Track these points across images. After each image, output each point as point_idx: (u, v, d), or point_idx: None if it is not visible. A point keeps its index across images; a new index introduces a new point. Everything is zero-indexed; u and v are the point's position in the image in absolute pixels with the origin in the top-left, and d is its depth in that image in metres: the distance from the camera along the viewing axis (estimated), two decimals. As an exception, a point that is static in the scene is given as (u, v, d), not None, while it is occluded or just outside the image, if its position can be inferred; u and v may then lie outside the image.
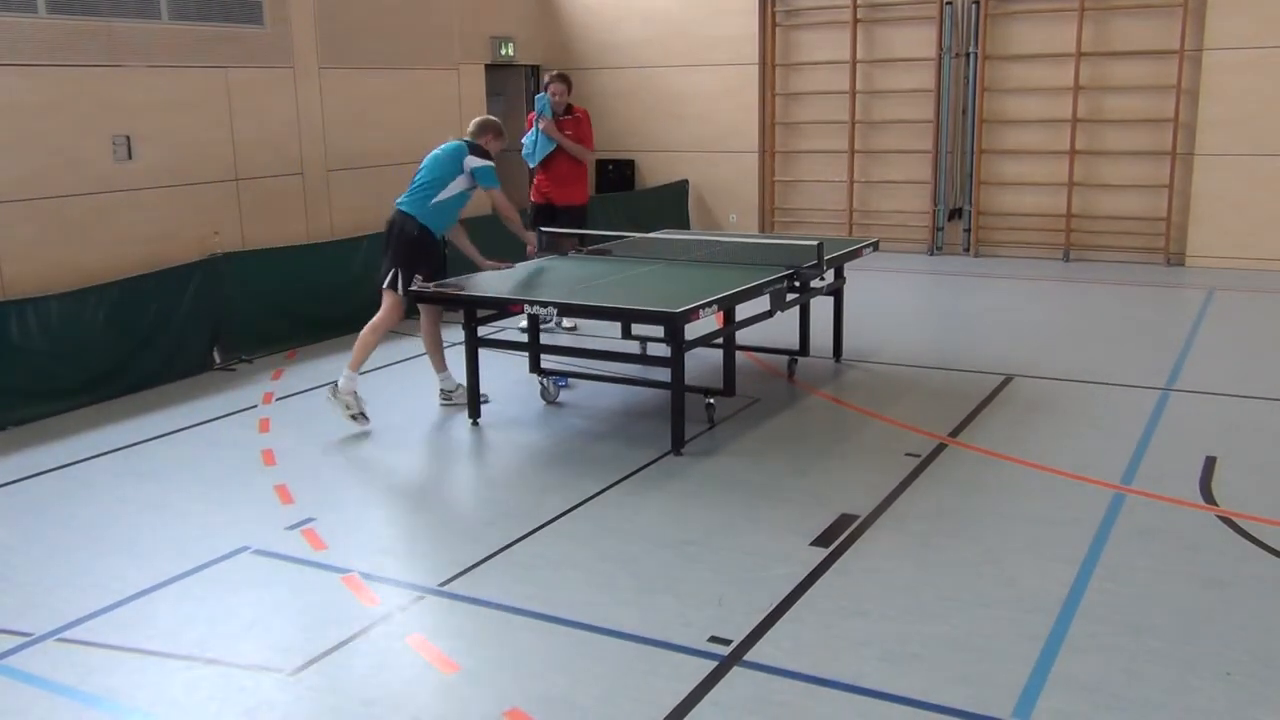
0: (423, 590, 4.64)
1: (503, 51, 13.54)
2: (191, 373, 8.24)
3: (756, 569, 4.75)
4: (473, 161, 7.09)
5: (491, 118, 7.45)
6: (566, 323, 9.06)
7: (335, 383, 6.88)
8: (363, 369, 6.95)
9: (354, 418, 6.81)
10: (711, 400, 6.75)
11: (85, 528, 5.39)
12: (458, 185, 7.11)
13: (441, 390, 7.37)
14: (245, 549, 5.10)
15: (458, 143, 7.23)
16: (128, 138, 9.03)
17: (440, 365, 7.37)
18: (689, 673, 3.92)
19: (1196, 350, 8.41)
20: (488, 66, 13.27)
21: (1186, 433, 6.47)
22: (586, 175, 9.30)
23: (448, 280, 7.05)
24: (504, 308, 6.76)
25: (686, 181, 14.39)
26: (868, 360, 8.23)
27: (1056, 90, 12.38)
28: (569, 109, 9.03)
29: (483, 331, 7.03)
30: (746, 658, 4.02)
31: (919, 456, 6.11)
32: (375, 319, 6.97)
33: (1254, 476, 5.76)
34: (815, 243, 7.25)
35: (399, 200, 7.12)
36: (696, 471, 5.98)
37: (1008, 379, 7.65)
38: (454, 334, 8.86)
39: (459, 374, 7.22)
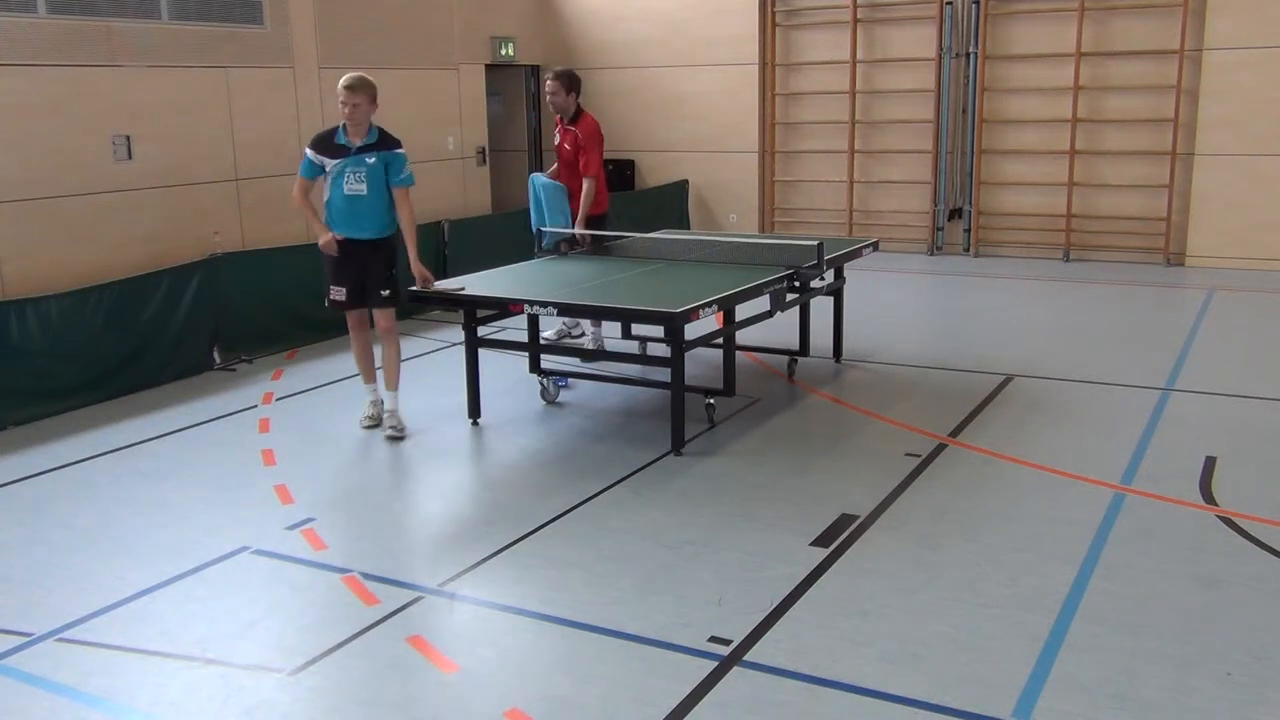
0: (423, 590, 4.64)
1: (503, 51, 13.54)
2: (191, 373, 8.24)
3: (756, 569, 4.75)
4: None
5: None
6: (589, 341, 8.41)
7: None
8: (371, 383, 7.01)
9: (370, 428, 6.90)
10: (711, 400, 6.75)
11: (85, 528, 5.39)
12: (326, 179, 6.60)
13: (367, 413, 6.99)
14: (245, 549, 5.10)
15: None
16: (128, 138, 9.02)
17: (370, 376, 7.02)
18: (689, 673, 3.92)
19: (1196, 350, 8.41)
20: (488, 66, 13.27)
21: (1186, 433, 6.47)
22: (602, 184, 8.29)
23: (452, 280, 7.05)
24: (504, 308, 6.76)
25: (686, 181, 14.39)
26: (868, 360, 8.23)
27: (1056, 90, 12.38)
28: (577, 115, 8.11)
29: (482, 332, 7.03)
30: (746, 658, 4.02)
31: (919, 456, 6.11)
32: None
33: (1254, 476, 5.76)
34: (815, 243, 7.24)
35: None
36: (696, 471, 5.98)
37: (1008, 379, 7.65)
38: (454, 334, 8.87)
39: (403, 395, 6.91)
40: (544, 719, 3.68)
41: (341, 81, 6.44)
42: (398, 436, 6.69)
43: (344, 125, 6.50)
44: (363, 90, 6.43)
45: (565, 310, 6.56)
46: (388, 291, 6.72)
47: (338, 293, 6.72)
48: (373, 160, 6.51)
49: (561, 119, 8.20)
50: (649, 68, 14.35)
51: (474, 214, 12.27)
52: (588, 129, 8.09)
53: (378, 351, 6.96)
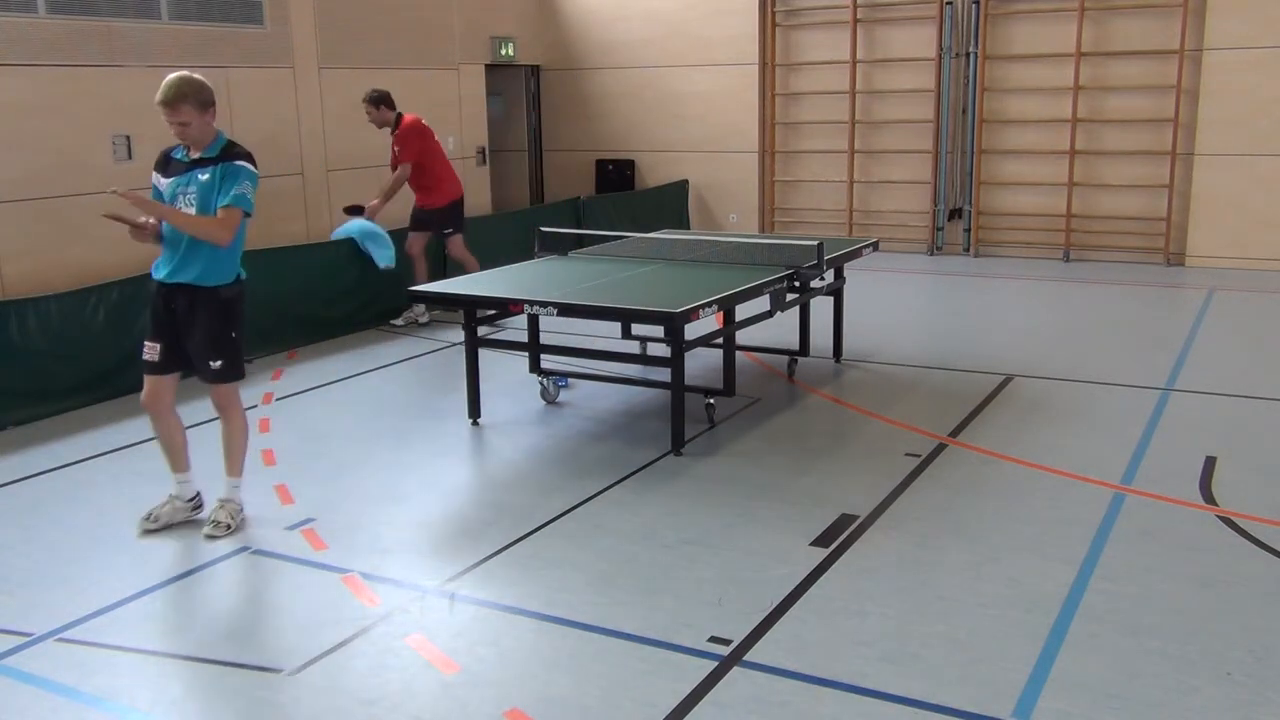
0: (423, 590, 4.64)
1: (503, 51, 13.54)
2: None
3: (756, 569, 4.75)
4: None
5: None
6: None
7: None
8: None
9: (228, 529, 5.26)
10: (711, 400, 6.75)
11: (85, 528, 5.39)
12: None
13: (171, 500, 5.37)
14: (245, 549, 5.10)
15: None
16: (128, 138, 9.03)
17: (179, 463, 5.37)
18: (689, 673, 3.92)
19: (1196, 350, 8.41)
20: (488, 66, 13.28)
21: (1186, 433, 6.47)
22: (433, 180, 9.67)
23: (442, 281, 7.00)
24: (504, 307, 6.75)
25: (686, 181, 14.39)
26: (868, 360, 8.23)
27: (1056, 90, 12.39)
28: (396, 124, 9.45)
29: (482, 331, 7.02)
30: (746, 658, 4.02)
31: (919, 456, 6.11)
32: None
33: (1254, 476, 5.76)
34: (815, 243, 7.25)
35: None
36: (696, 471, 5.98)
37: (1008, 379, 7.65)
38: (454, 334, 8.87)
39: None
40: (544, 719, 3.68)
41: (156, 97, 4.88)
42: (215, 535, 5.17)
43: None
44: (184, 100, 4.86)
45: (565, 310, 6.55)
46: (219, 362, 5.16)
47: (150, 350, 5.15)
48: (206, 176, 4.96)
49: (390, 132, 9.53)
50: (649, 68, 14.35)
51: (474, 214, 12.26)
52: (401, 130, 9.47)
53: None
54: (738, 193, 14.26)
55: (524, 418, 7.05)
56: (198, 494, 5.44)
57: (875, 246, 8.45)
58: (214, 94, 4.99)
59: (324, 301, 9.39)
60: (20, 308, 7.16)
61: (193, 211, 4.96)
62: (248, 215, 5.01)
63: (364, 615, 4.43)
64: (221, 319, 5.14)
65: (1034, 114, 12.63)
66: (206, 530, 5.23)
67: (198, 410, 6.26)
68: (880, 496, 5.53)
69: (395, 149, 9.52)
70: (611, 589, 4.61)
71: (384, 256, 9.59)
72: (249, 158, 5.05)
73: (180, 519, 5.34)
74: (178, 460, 5.36)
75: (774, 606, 4.39)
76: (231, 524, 5.27)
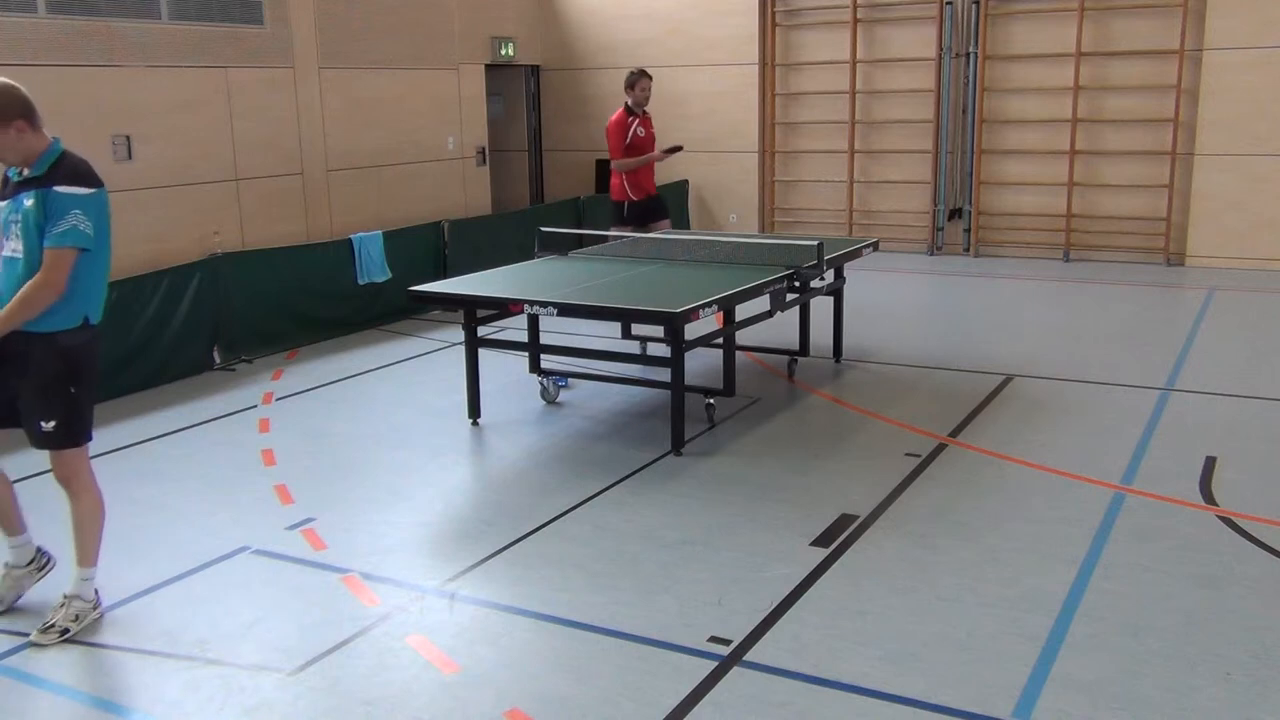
0: (423, 590, 4.64)
1: (503, 51, 13.54)
2: (191, 373, 8.23)
3: (756, 569, 4.75)
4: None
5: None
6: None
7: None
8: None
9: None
10: (711, 400, 6.75)
11: (85, 528, 5.38)
12: None
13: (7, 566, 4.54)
14: (245, 549, 5.10)
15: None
16: (128, 138, 9.03)
17: (11, 525, 4.55)
18: (689, 673, 3.92)
19: (1196, 350, 8.41)
20: (488, 66, 13.28)
21: (1186, 433, 6.47)
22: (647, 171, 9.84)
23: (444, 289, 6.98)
24: (504, 307, 6.75)
25: (686, 181, 14.39)
26: (868, 360, 8.23)
27: (1056, 90, 12.39)
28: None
29: (482, 331, 7.03)
30: (746, 658, 4.02)
31: (919, 456, 6.11)
32: None
33: (1254, 476, 5.76)
34: (815, 243, 7.25)
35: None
36: (696, 471, 5.98)
37: (1008, 379, 7.65)
38: (454, 334, 8.85)
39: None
40: (544, 719, 3.68)
41: None
42: (43, 643, 4.17)
43: None
44: None
45: (565, 310, 6.55)
46: (51, 423, 4.26)
47: None
48: (30, 202, 4.13)
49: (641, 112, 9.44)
50: (649, 68, 14.29)
51: (474, 214, 12.28)
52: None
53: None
54: (738, 193, 14.26)
55: (524, 418, 7.05)
56: (38, 550, 4.60)
57: (875, 246, 8.45)
58: (26, 106, 4.27)
59: (324, 301, 9.39)
60: (20, 308, 7.15)
61: (19, 246, 4.13)
62: (85, 250, 4.13)
63: (364, 615, 4.43)
64: (56, 370, 4.22)
65: (1034, 114, 12.63)
66: (34, 636, 4.20)
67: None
68: (880, 496, 5.53)
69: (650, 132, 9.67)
70: (611, 589, 4.61)
71: (377, 272, 9.80)
72: (76, 177, 4.20)
73: (28, 586, 4.56)
74: (9, 523, 4.54)
75: (774, 606, 4.39)
76: (70, 628, 4.22)
